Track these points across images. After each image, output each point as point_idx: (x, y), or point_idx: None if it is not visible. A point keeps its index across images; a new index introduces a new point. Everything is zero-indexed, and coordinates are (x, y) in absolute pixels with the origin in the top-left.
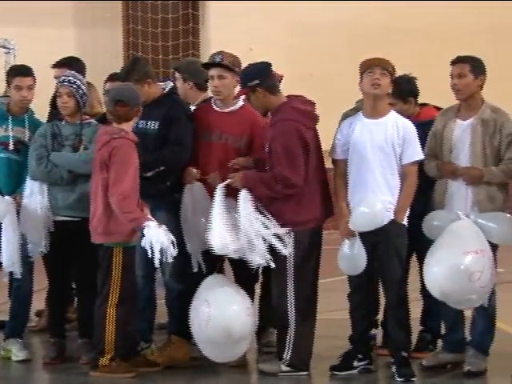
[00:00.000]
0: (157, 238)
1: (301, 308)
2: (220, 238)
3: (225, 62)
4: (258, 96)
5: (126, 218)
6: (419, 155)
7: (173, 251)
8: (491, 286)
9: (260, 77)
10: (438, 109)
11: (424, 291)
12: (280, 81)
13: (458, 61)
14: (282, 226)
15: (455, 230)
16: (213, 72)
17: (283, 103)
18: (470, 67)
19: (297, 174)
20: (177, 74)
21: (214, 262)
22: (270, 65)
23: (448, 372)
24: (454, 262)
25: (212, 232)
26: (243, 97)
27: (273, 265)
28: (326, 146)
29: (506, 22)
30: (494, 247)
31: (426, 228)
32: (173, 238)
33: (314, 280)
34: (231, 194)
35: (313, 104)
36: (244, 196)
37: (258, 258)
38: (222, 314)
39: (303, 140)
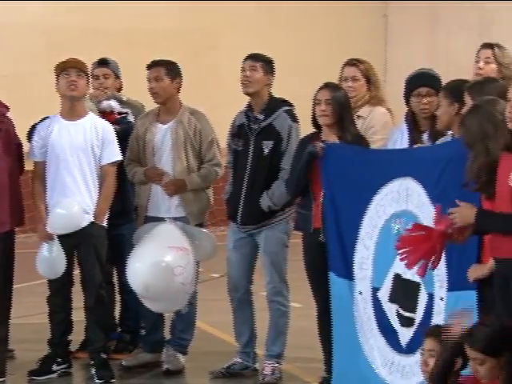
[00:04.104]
0: None
1: None
2: None
3: None
4: None
5: None
6: (118, 156)
7: None
8: (192, 288)
9: None
10: None
11: (123, 291)
12: None
13: (153, 65)
14: None
15: (160, 230)
16: None
17: None
18: (166, 70)
19: None
20: None
21: None
22: None
23: (147, 372)
24: (158, 255)
25: None
26: None
27: None
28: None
29: (199, 25)
30: None
31: (135, 239)
32: None
33: (4, 286)
34: None
35: (5, 107)
36: None
37: None
38: None
39: None
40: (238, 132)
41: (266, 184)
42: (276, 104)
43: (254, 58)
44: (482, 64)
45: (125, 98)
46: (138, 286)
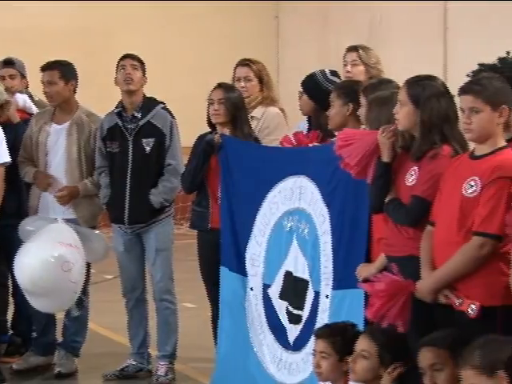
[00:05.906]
0: None
1: None
2: None
3: None
4: None
5: None
6: (5, 157)
7: None
8: (80, 288)
9: None
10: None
11: (16, 293)
12: None
13: (47, 67)
14: None
15: (50, 228)
16: None
17: None
18: (60, 73)
19: None
20: None
21: None
22: None
23: (39, 375)
24: (47, 251)
25: None
26: None
27: None
28: None
29: (91, 25)
30: None
31: (21, 233)
32: None
33: None
34: None
35: None
36: None
37: None
38: None
39: None
40: (111, 134)
41: (153, 182)
42: (151, 102)
43: (133, 57)
44: (349, 67)
45: (37, 99)
46: (25, 279)
